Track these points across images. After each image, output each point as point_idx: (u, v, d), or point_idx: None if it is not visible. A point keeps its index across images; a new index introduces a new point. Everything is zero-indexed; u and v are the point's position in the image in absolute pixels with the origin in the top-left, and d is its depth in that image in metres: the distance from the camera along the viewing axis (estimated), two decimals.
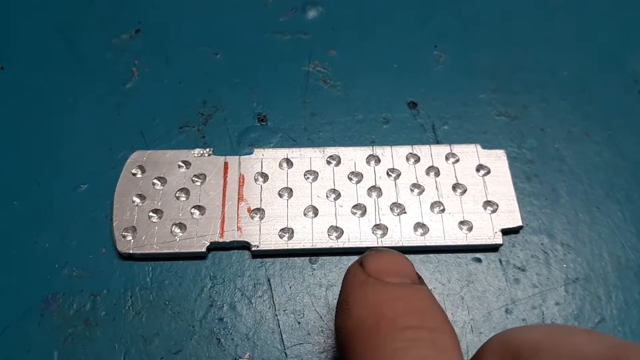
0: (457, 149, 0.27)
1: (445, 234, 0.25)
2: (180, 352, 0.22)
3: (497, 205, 0.25)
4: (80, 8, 0.33)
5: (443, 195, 0.26)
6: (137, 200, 0.25)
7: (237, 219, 0.25)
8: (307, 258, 0.25)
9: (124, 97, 0.29)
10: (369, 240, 0.24)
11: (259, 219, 0.25)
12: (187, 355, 0.22)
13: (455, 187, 0.26)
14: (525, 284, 0.24)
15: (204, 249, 0.24)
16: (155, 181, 0.26)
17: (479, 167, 0.26)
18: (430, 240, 0.24)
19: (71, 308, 0.23)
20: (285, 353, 0.23)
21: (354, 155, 0.27)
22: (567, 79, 0.30)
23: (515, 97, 0.30)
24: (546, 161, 0.28)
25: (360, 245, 0.24)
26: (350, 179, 0.26)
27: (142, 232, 0.24)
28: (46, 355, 0.22)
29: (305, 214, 0.25)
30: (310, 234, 0.24)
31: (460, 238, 0.24)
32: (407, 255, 0.19)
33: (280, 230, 0.25)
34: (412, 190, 0.26)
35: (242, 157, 0.27)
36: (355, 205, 0.25)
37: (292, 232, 0.24)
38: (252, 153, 0.27)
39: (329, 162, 0.27)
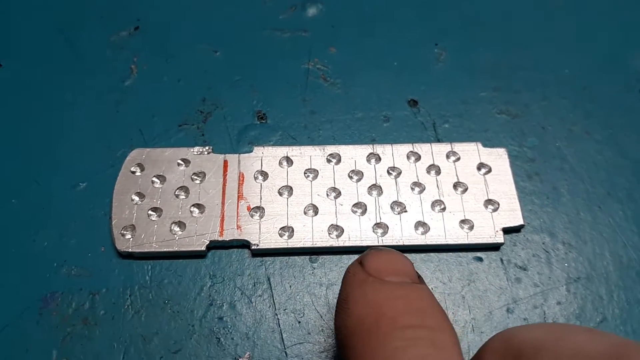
0: (458, 147, 0.27)
1: (446, 233, 0.24)
2: (179, 351, 0.22)
3: (498, 204, 0.25)
4: (79, 5, 0.32)
5: (444, 193, 0.26)
6: (136, 198, 0.25)
7: (237, 217, 0.25)
8: (307, 257, 0.25)
9: (122, 94, 0.29)
10: (369, 239, 0.24)
11: (258, 218, 0.25)
12: (186, 355, 0.22)
13: (456, 185, 0.26)
14: (526, 283, 0.24)
15: (203, 248, 0.24)
16: (155, 179, 0.26)
17: (480, 166, 0.26)
18: (431, 239, 0.24)
19: (70, 307, 0.23)
20: (286, 352, 0.22)
21: (354, 154, 0.27)
22: (568, 77, 0.30)
23: (516, 96, 0.30)
24: (547, 160, 0.27)
25: (361, 244, 0.24)
26: (351, 178, 0.26)
27: (141, 231, 0.24)
28: (45, 355, 0.22)
29: (305, 213, 0.25)
30: (311, 233, 0.24)
31: (461, 237, 0.24)
32: (407, 254, 0.19)
33: (280, 228, 0.24)
34: (412, 189, 0.26)
35: (241, 155, 0.26)
36: (355, 203, 0.25)
37: (292, 230, 0.24)
38: (251, 151, 0.27)
39: (329, 161, 0.26)
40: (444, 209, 0.25)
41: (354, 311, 0.17)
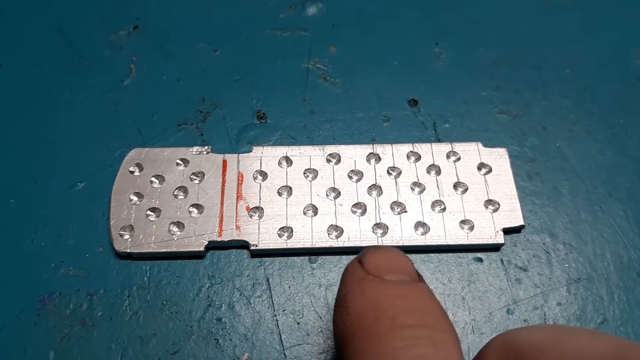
0: (458, 147, 0.27)
1: (446, 233, 0.24)
2: (178, 352, 0.22)
3: (499, 204, 0.25)
4: (78, 4, 0.32)
5: (444, 194, 0.25)
6: (135, 198, 0.25)
7: (236, 217, 0.25)
8: (307, 257, 0.24)
9: (121, 94, 0.29)
10: (369, 239, 0.24)
11: (257, 218, 0.25)
12: (184, 356, 0.22)
13: (456, 185, 0.26)
14: (526, 284, 0.24)
15: (202, 248, 0.24)
16: (153, 179, 0.25)
17: (480, 166, 0.26)
18: (431, 239, 0.24)
19: (68, 308, 0.23)
20: (284, 354, 0.22)
21: (354, 154, 0.26)
22: (569, 76, 0.30)
23: (516, 95, 0.29)
24: (548, 160, 0.27)
25: (360, 245, 0.24)
26: (350, 178, 0.26)
27: (140, 231, 0.24)
28: (42, 356, 0.22)
29: (304, 213, 0.25)
30: (310, 233, 0.24)
31: (461, 237, 0.24)
32: (407, 255, 0.19)
33: (280, 229, 0.24)
34: (412, 189, 0.25)
35: (241, 155, 0.26)
36: (355, 204, 0.25)
37: (292, 231, 0.24)
38: (251, 151, 0.27)
39: (328, 161, 0.26)
40: (444, 209, 0.25)
41: (353, 310, 0.17)
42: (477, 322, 0.23)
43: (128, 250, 0.24)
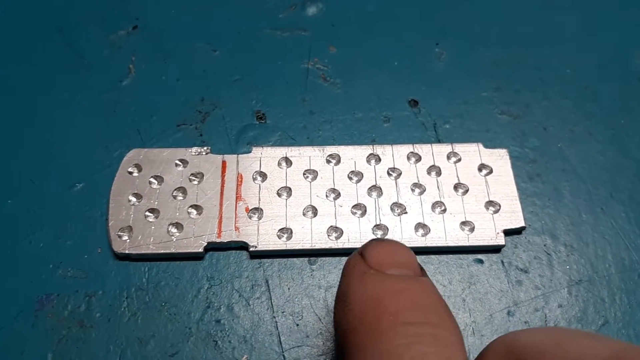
0: (459, 148, 0.27)
1: (446, 235, 0.24)
2: (176, 354, 0.22)
3: (500, 206, 0.25)
4: (76, 4, 0.32)
5: (444, 195, 0.25)
6: (134, 199, 0.25)
7: (235, 218, 0.24)
8: (306, 259, 0.24)
9: (120, 94, 0.29)
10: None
11: (257, 219, 0.24)
12: (183, 358, 0.22)
13: (456, 186, 0.25)
14: (527, 285, 0.24)
15: (201, 250, 0.24)
16: (152, 180, 0.25)
17: (481, 167, 0.26)
18: (431, 241, 0.24)
19: (66, 309, 0.23)
20: (284, 356, 0.22)
21: (354, 154, 0.26)
22: (570, 77, 0.30)
23: (517, 96, 0.29)
24: (549, 160, 0.27)
25: (360, 246, 0.24)
26: (350, 179, 0.26)
27: (138, 232, 0.24)
28: (40, 358, 0.22)
29: (304, 214, 0.25)
30: (310, 234, 0.24)
31: (461, 239, 0.24)
32: None
33: (279, 230, 0.24)
34: (413, 190, 0.25)
35: (240, 155, 0.26)
36: (355, 205, 0.25)
37: (291, 232, 0.24)
38: (250, 152, 0.26)
39: (328, 161, 0.26)
40: (444, 211, 0.25)
41: (354, 305, 0.16)
42: (478, 324, 0.23)
43: (126, 251, 0.24)
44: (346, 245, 0.24)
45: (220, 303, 0.23)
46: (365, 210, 0.25)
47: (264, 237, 0.24)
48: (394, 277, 0.17)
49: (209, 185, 0.25)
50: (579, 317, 0.23)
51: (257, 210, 0.25)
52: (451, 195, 0.25)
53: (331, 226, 0.24)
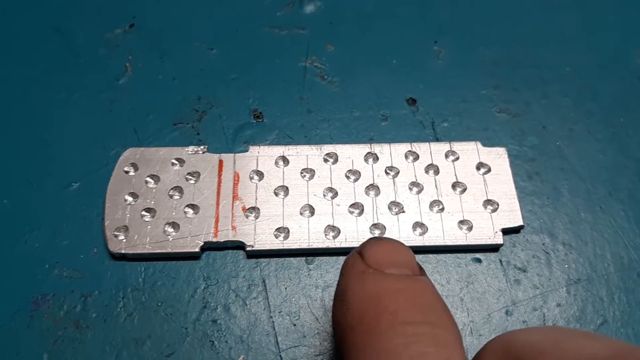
0: (457, 146, 0.26)
1: (444, 234, 0.24)
2: (173, 354, 0.22)
3: (498, 204, 0.25)
4: (73, 2, 0.32)
5: (442, 194, 0.25)
6: (130, 198, 0.25)
7: (232, 218, 0.24)
8: (303, 258, 0.24)
9: (117, 93, 0.29)
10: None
11: (254, 218, 0.24)
12: (179, 358, 0.22)
13: (455, 185, 0.25)
14: (526, 285, 0.24)
15: (197, 249, 0.24)
16: (148, 179, 0.25)
17: (479, 165, 0.26)
18: (429, 240, 0.24)
19: (61, 309, 0.23)
20: (280, 356, 0.22)
21: (351, 153, 0.26)
22: (569, 75, 0.30)
23: (516, 94, 0.29)
24: (548, 159, 0.27)
25: (358, 245, 0.24)
26: (348, 177, 0.26)
27: (135, 232, 0.24)
28: (36, 358, 0.22)
29: (301, 213, 0.24)
30: (307, 234, 0.24)
31: (459, 238, 0.24)
32: None
33: (276, 229, 0.24)
34: (410, 189, 0.25)
35: (237, 154, 0.26)
36: (352, 204, 0.25)
37: (288, 231, 0.24)
38: (247, 150, 0.26)
39: (326, 160, 0.26)
40: (442, 210, 0.25)
41: (353, 305, 0.16)
42: (476, 324, 0.23)
43: (123, 251, 0.23)
44: (343, 245, 0.24)
45: (216, 303, 0.23)
46: (363, 210, 0.25)
47: (261, 237, 0.24)
48: (393, 276, 0.17)
49: (205, 184, 0.25)
50: (577, 316, 0.23)
51: (254, 209, 0.24)
52: (449, 194, 0.25)
53: (328, 225, 0.24)
